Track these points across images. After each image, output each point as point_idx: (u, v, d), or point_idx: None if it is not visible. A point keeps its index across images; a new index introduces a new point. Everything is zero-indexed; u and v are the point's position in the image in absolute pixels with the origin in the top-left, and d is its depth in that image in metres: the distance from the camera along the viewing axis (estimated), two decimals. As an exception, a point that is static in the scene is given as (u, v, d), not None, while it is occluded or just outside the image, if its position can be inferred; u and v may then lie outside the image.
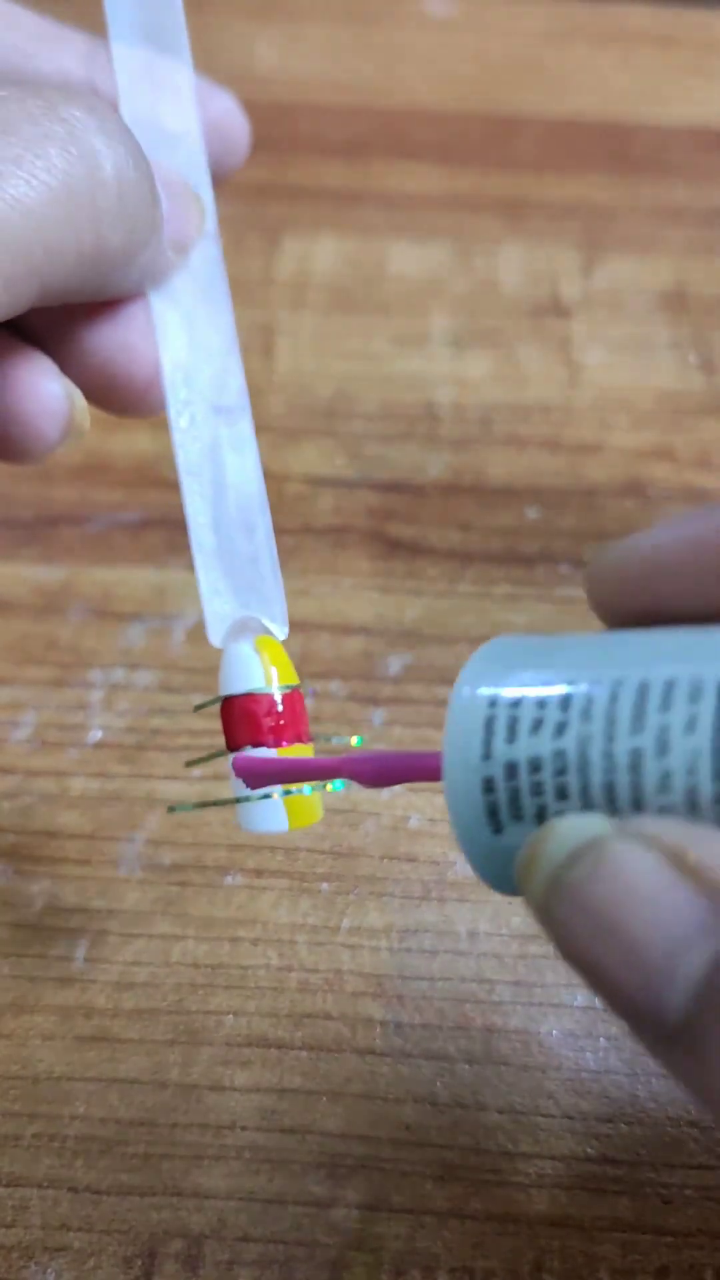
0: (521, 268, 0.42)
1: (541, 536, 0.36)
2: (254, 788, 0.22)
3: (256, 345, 0.40)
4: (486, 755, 0.17)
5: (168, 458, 0.24)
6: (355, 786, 0.23)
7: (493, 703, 0.17)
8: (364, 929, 0.28)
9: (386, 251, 0.43)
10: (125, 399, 0.24)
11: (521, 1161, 0.25)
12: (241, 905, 0.29)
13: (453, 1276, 0.24)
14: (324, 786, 0.23)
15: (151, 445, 0.37)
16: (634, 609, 0.18)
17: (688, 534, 0.18)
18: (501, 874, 0.18)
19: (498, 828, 0.17)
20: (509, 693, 0.17)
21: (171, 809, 0.24)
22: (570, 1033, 0.27)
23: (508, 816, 0.17)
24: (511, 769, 0.17)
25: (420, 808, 0.30)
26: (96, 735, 0.31)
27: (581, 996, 0.27)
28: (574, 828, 0.16)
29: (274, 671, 0.23)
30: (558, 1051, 0.27)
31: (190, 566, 0.24)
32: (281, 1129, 0.26)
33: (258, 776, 0.22)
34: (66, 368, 0.24)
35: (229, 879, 0.29)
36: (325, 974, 0.28)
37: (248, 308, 0.41)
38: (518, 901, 0.29)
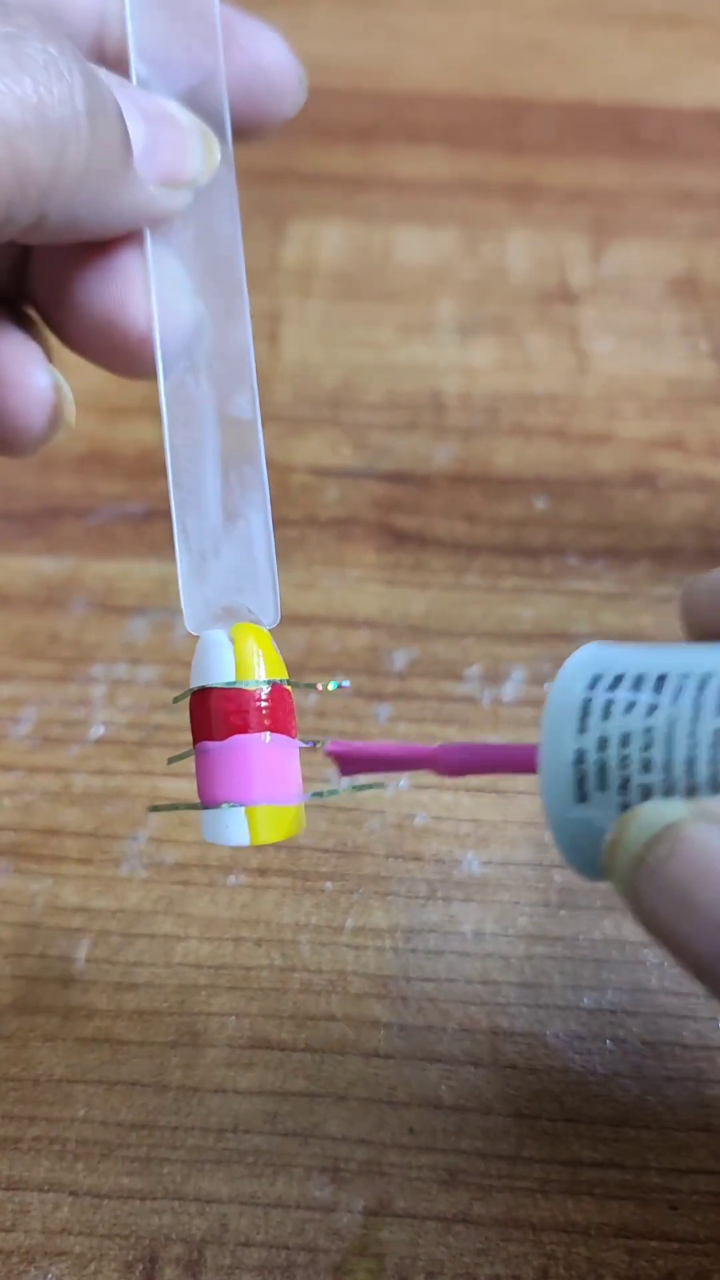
0: (529, 254, 0.42)
1: (549, 527, 0.35)
2: (345, 773, 0.22)
3: (262, 333, 0.39)
4: (582, 730, 0.19)
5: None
6: (334, 782, 0.23)
7: (592, 686, 0.19)
8: (368, 929, 0.28)
9: (393, 238, 0.42)
10: (122, 356, 0.22)
11: (527, 1166, 0.25)
12: (244, 905, 0.28)
13: (457, 1282, 0.24)
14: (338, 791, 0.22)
15: (155, 435, 0.36)
16: None
17: None
18: (577, 844, 0.19)
19: (583, 796, 0.19)
20: (607, 680, 0.19)
21: (152, 809, 0.23)
22: (577, 1035, 0.26)
23: (594, 786, 0.19)
24: (603, 742, 0.19)
25: (426, 805, 0.30)
26: (98, 731, 0.31)
27: (589, 998, 0.27)
28: (655, 812, 0.18)
29: (258, 663, 0.21)
30: (564, 1055, 0.26)
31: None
32: (284, 1132, 0.25)
33: (349, 763, 0.22)
34: (63, 323, 0.22)
35: (231, 878, 0.29)
36: (329, 975, 0.27)
37: (253, 295, 0.41)
38: (524, 901, 0.28)
